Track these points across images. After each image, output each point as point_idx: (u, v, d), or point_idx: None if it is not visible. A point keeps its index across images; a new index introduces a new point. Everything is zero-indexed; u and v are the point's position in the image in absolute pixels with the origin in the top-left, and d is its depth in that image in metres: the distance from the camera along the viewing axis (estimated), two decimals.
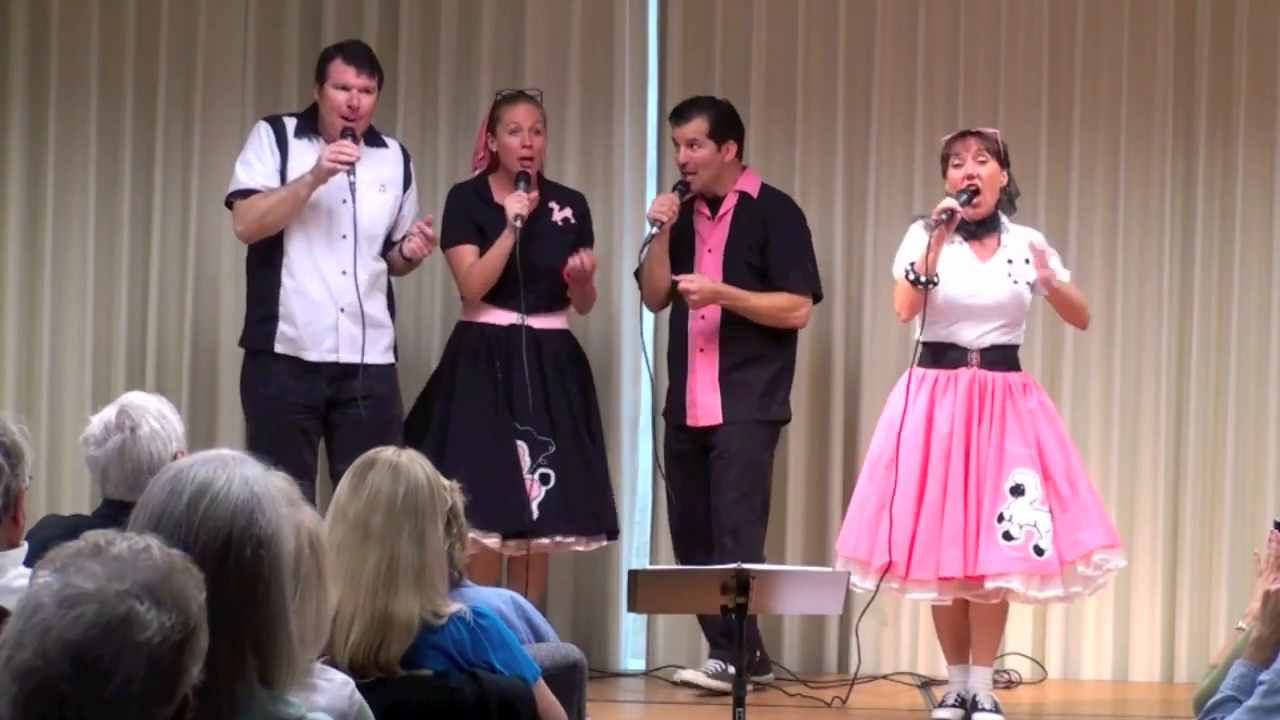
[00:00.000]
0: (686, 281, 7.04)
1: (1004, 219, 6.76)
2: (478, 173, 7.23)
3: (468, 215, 7.13)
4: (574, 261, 7.07)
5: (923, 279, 6.53)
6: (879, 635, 7.61)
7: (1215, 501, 7.59)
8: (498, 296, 7.07)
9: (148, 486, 2.61)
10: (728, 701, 5.68)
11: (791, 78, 7.68)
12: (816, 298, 7.20)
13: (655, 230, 7.07)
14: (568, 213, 7.21)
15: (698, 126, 7.13)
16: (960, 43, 7.69)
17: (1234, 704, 3.73)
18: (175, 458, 4.18)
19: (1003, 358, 6.69)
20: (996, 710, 6.60)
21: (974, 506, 6.52)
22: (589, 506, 7.08)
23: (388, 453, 3.91)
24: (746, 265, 7.08)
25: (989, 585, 6.51)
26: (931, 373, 6.67)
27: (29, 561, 3.37)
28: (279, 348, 6.88)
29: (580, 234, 7.21)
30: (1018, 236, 6.76)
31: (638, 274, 7.26)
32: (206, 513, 2.53)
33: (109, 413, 4.45)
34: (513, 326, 7.04)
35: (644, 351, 7.32)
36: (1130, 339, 7.60)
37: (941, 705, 6.69)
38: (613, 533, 7.26)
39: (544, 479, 7.00)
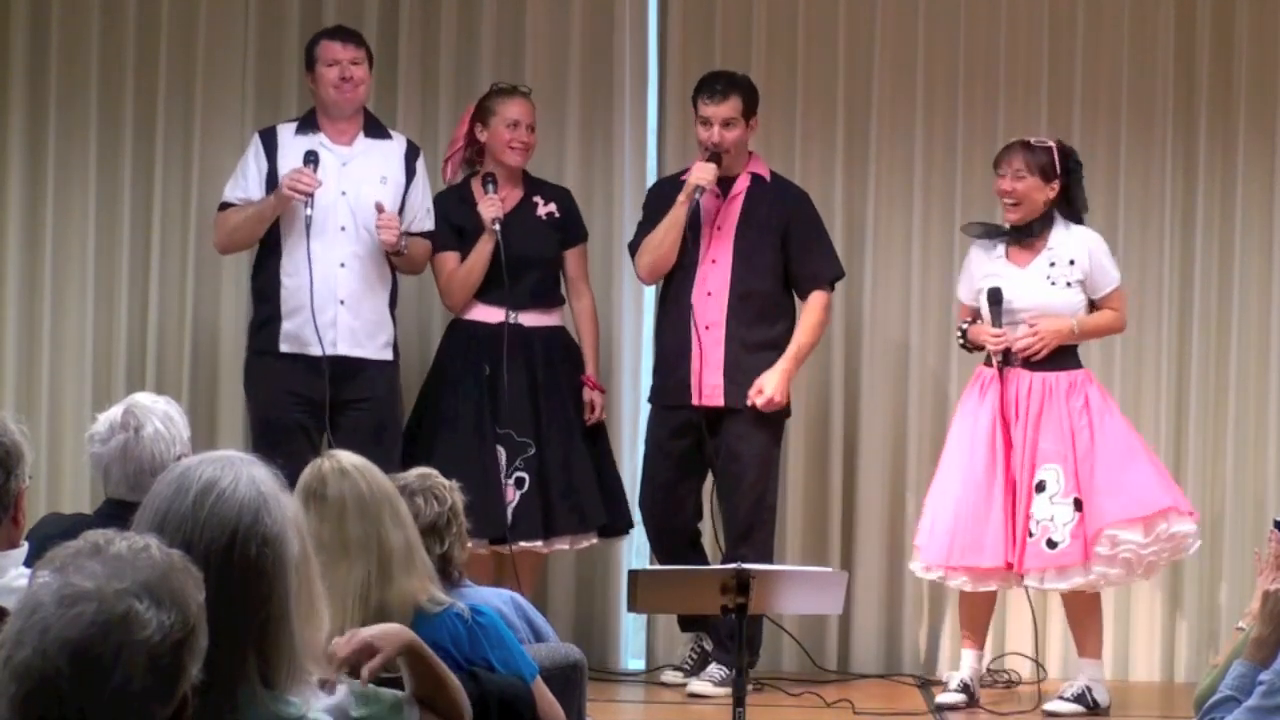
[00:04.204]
0: (760, 399, 6.96)
1: (1059, 225, 6.92)
2: (450, 174, 7.20)
3: (448, 221, 7.12)
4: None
5: (970, 350, 6.98)
6: (879, 635, 7.61)
7: (1216, 500, 7.59)
8: (486, 293, 7.06)
9: (154, 484, 2.62)
10: (728, 701, 5.69)
11: (791, 76, 7.68)
12: (838, 277, 7.23)
13: (699, 196, 6.96)
14: (552, 208, 7.19)
15: (735, 105, 7.04)
16: (960, 43, 7.69)
17: (1234, 704, 3.74)
18: (178, 460, 4.18)
19: (1049, 358, 6.86)
20: (1078, 701, 6.80)
21: (1018, 503, 6.76)
22: (572, 505, 7.03)
23: (325, 466, 3.82)
24: (755, 248, 7.03)
25: (1024, 578, 6.81)
26: (985, 370, 6.92)
27: (29, 561, 3.37)
28: (284, 347, 6.89)
29: (565, 228, 7.20)
30: (1070, 238, 6.92)
31: (632, 248, 7.19)
32: (212, 510, 2.53)
33: (115, 411, 4.44)
34: (501, 325, 7.03)
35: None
36: (1130, 337, 7.59)
37: (946, 689, 6.82)
38: (609, 529, 7.20)
39: (519, 483, 6.98)
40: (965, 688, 6.86)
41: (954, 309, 7.35)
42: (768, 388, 6.95)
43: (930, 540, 6.89)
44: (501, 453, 6.98)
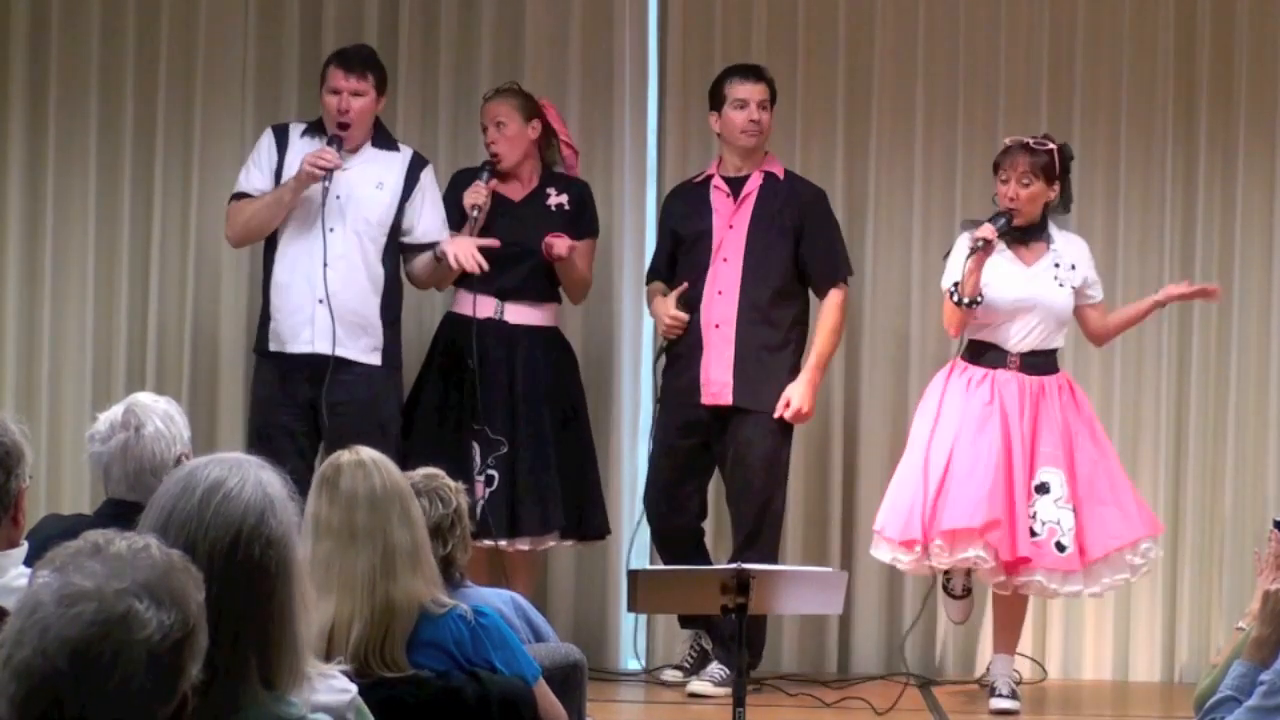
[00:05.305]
0: (789, 413, 6.94)
1: (1052, 227, 6.95)
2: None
3: (457, 201, 7.11)
4: (548, 240, 7.00)
5: (966, 300, 6.78)
6: (879, 635, 7.61)
7: (1215, 501, 7.59)
8: (475, 282, 7.02)
9: (162, 483, 2.62)
10: (728, 701, 5.69)
11: (791, 74, 7.68)
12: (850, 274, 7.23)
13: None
14: (563, 199, 7.19)
15: (766, 89, 7.11)
16: (960, 42, 7.69)
17: (1234, 704, 3.74)
18: (179, 460, 4.19)
19: (1041, 361, 6.90)
20: (1014, 697, 6.79)
21: (1018, 498, 6.73)
22: (536, 507, 6.99)
23: (346, 456, 3.90)
24: (767, 246, 7.02)
25: (1018, 579, 6.75)
26: (973, 368, 6.88)
27: (29, 561, 3.37)
28: (271, 345, 6.90)
29: (574, 220, 7.18)
30: (1068, 243, 6.96)
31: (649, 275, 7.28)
32: (218, 509, 2.54)
33: (116, 411, 4.45)
34: (487, 319, 7.03)
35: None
36: (1130, 338, 7.59)
37: (995, 695, 6.83)
38: (573, 533, 7.14)
39: (488, 480, 6.97)
40: (1014, 694, 6.84)
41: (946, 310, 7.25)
42: (795, 399, 6.95)
43: (906, 517, 6.81)
44: (475, 448, 6.98)
